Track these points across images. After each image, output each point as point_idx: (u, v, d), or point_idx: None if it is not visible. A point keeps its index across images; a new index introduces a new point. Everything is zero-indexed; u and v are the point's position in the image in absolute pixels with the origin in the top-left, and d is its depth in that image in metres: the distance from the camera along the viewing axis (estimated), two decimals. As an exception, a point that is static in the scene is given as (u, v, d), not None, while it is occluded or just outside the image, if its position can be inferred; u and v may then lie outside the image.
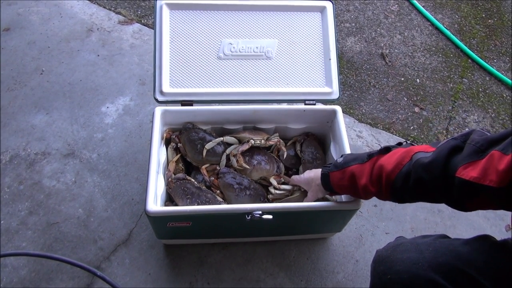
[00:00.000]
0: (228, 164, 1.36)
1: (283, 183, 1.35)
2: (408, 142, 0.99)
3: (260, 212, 1.12)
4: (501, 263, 0.83)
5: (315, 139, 1.46)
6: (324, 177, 1.08)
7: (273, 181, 1.34)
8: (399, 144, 1.00)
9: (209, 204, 1.25)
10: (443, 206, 1.56)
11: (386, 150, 0.96)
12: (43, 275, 1.32)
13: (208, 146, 1.33)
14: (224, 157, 1.35)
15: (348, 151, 1.25)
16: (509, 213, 0.82)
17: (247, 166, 1.33)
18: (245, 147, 1.33)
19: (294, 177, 1.29)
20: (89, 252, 1.38)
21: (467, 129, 0.84)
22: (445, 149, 0.83)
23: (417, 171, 0.86)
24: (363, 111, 1.84)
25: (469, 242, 0.88)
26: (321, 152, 1.44)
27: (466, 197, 0.81)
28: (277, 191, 1.32)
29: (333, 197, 1.29)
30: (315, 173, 1.15)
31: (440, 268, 0.83)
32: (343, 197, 1.28)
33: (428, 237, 0.94)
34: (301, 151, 1.42)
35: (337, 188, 1.06)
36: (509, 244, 0.86)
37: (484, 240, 0.88)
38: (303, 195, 1.31)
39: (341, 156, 1.07)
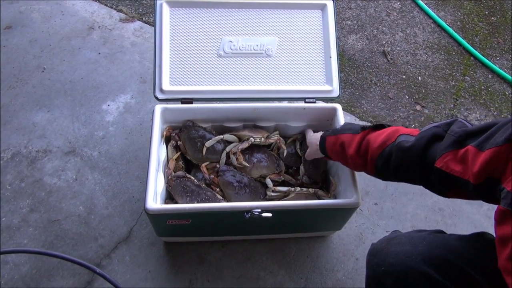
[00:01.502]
0: (228, 162, 1.36)
1: (279, 185, 1.35)
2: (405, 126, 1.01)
3: (260, 210, 1.12)
4: (494, 259, 0.83)
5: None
6: (322, 140, 1.15)
7: (269, 182, 1.33)
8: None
9: (209, 202, 1.25)
10: (444, 205, 1.56)
11: (379, 126, 1.00)
12: (44, 272, 1.33)
13: (208, 144, 1.33)
14: (224, 155, 1.35)
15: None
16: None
17: (247, 164, 1.33)
18: (245, 145, 1.33)
19: (309, 133, 1.34)
20: (90, 249, 1.38)
21: (450, 118, 0.86)
22: (426, 136, 0.86)
23: (397, 154, 0.89)
24: (364, 109, 1.83)
25: (463, 237, 0.89)
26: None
27: (445, 186, 0.85)
28: (273, 193, 1.33)
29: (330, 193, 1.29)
30: (318, 137, 1.20)
31: (433, 262, 0.84)
32: (343, 195, 1.28)
33: (423, 231, 0.94)
34: (301, 149, 1.41)
35: (330, 152, 1.13)
36: None
37: (479, 236, 0.89)
38: (299, 197, 1.31)
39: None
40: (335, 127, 1.13)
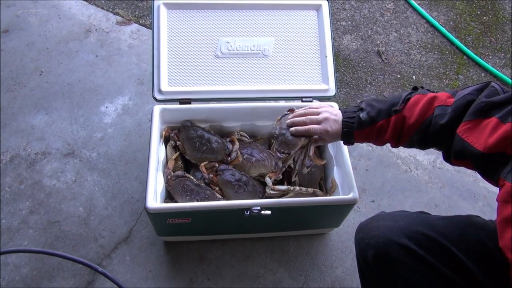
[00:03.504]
0: (227, 161, 1.38)
1: (278, 183, 1.36)
2: (424, 88, 0.99)
3: (259, 207, 1.14)
4: (476, 238, 0.85)
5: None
6: (348, 134, 1.02)
7: (268, 181, 1.34)
8: (415, 88, 0.99)
9: (208, 200, 1.26)
10: (440, 201, 1.58)
11: (407, 99, 0.95)
12: (45, 273, 1.33)
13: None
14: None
15: (344, 146, 1.27)
16: None
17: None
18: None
19: (315, 128, 1.07)
20: (90, 250, 1.39)
21: (483, 82, 0.86)
22: (460, 106, 0.85)
23: (435, 130, 0.88)
24: (360, 108, 1.85)
25: (447, 217, 0.92)
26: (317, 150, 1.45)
27: (456, 153, 0.85)
28: (272, 192, 1.34)
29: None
30: (339, 128, 1.03)
31: (413, 236, 0.86)
32: (340, 192, 1.30)
33: (407, 211, 0.97)
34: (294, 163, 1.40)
35: (359, 140, 1.03)
36: (489, 225, 0.88)
37: (464, 218, 0.91)
38: (297, 196, 1.32)
39: (360, 108, 1.00)
40: (359, 117, 0.99)
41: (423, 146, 0.95)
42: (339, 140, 1.05)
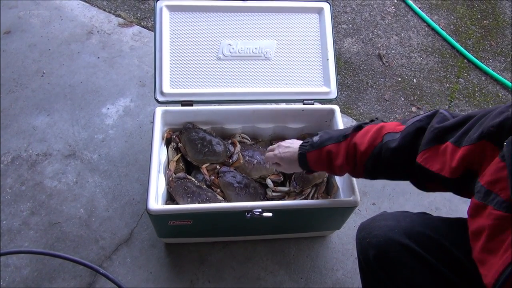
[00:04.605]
0: (228, 163, 1.38)
1: (280, 185, 1.37)
2: (379, 119, 1.02)
3: (260, 209, 1.14)
4: None
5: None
6: (302, 156, 1.07)
7: (270, 182, 1.35)
8: (372, 121, 1.02)
9: (210, 202, 1.26)
10: (440, 204, 1.58)
11: (358, 128, 0.99)
12: (45, 275, 1.33)
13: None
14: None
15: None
16: None
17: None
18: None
19: (268, 155, 1.20)
20: (91, 251, 1.39)
21: (432, 110, 0.88)
22: (411, 132, 0.87)
23: (386, 155, 0.90)
24: (361, 111, 1.86)
25: (448, 219, 0.93)
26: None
27: (425, 179, 0.87)
28: (274, 193, 1.34)
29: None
30: (292, 153, 1.10)
31: (415, 236, 0.87)
32: (341, 195, 1.30)
33: (409, 212, 0.98)
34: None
35: (314, 166, 1.07)
36: None
37: (464, 220, 0.92)
38: (299, 197, 1.32)
39: (317, 134, 1.06)
40: (312, 141, 1.05)
41: (382, 174, 0.96)
42: (297, 165, 1.09)
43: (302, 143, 1.09)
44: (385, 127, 0.93)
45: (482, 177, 0.72)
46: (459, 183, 0.79)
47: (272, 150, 1.20)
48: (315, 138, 1.05)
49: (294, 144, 1.12)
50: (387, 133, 0.91)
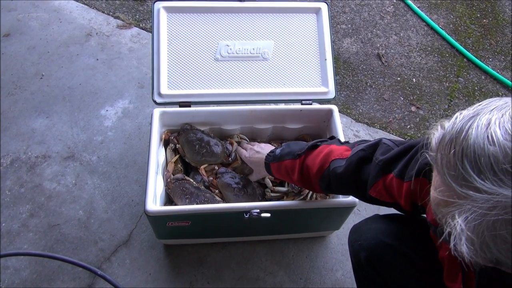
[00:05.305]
0: (227, 164, 1.38)
1: (278, 185, 1.36)
2: (336, 138, 1.06)
3: (258, 210, 1.14)
4: None
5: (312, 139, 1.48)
6: (267, 166, 1.15)
7: (268, 183, 1.35)
8: (331, 138, 1.06)
9: (208, 203, 1.26)
10: (440, 204, 1.58)
11: (313, 147, 1.01)
12: (45, 276, 1.33)
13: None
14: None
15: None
16: None
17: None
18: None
19: (244, 153, 1.31)
20: (90, 253, 1.39)
21: (375, 139, 0.92)
22: (354, 161, 0.89)
23: (334, 180, 0.93)
24: (360, 111, 1.85)
25: None
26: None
27: (384, 206, 0.90)
28: (272, 194, 1.34)
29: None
30: (260, 160, 1.19)
31: (404, 238, 0.89)
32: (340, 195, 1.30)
33: (401, 214, 0.99)
34: None
35: (277, 176, 1.13)
36: None
37: None
38: (298, 197, 1.32)
39: (281, 146, 1.11)
40: (274, 153, 1.10)
41: (338, 192, 1.03)
42: (264, 170, 1.17)
43: (269, 152, 1.14)
44: (333, 152, 0.95)
45: (427, 213, 0.76)
46: (417, 212, 0.81)
47: (245, 149, 1.30)
48: (277, 151, 1.10)
49: (264, 151, 1.20)
50: (334, 160, 0.94)
